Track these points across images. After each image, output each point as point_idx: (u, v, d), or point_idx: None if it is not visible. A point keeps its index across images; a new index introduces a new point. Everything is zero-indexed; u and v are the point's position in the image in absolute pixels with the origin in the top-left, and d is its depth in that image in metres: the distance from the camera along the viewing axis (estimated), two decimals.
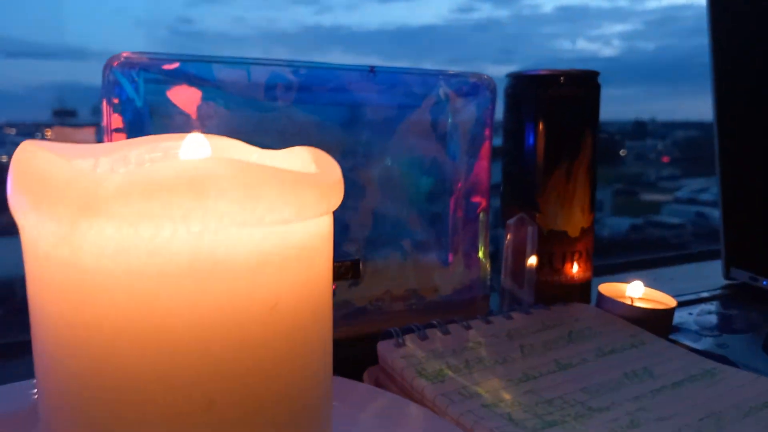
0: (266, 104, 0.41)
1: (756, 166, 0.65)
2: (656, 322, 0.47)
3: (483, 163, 0.50)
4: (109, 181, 0.17)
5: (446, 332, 0.41)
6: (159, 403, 0.18)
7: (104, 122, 0.36)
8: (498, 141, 0.52)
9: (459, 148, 0.49)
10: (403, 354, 0.38)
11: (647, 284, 0.52)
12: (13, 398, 0.30)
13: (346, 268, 0.46)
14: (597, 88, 0.51)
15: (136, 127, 0.37)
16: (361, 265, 0.46)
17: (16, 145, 0.20)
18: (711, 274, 0.68)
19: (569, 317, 0.46)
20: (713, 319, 0.55)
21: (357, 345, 0.41)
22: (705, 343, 0.48)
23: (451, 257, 0.50)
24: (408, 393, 0.37)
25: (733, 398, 0.36)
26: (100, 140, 0.38)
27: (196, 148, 0.23)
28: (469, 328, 0.42)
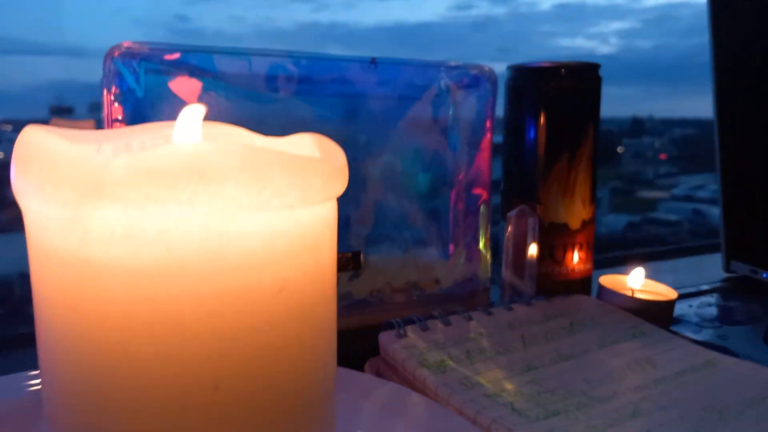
0: (267, 95, 0.41)
1: (756, 160, 0.65)
2: (657, 313, 0.47)
3: (484, 155, 0.50)
4: (116, 163, 0.16)
5: (447, 323, 0.41)
6: (165, 387, 0.18)
7: (105, 112, 0.36)
8: (497, 136, 0.52)
9: (460, 140, 0.49)
10: (404, 345, 0.38)
11: (647, 277, 0.52)
12: (8, 389, 0.30)
13: (347, 259, 0.46)
14: (598, 81, 0.51)
15: (136, 118, 0.37)
16: (362, 256, 0.46)
17: (13, 142, 0.20)
18: (710, 268, 0.68)
19: (570, 308, 0.46)
20: (713, 311, 0.55)
21: (358, 337, 0.41)
22: (705, 335, 0.48)
23: (451, 249, 0.50)
24: (410, 383, 0.37)
25: (735, 388, 0.36)
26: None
27: (193, 121, 0.22)
28: (470, 319, 0.42)
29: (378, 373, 0.39)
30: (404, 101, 0.46)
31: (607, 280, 0.51)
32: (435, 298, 0.50)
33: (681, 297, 0.54)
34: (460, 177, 0.50)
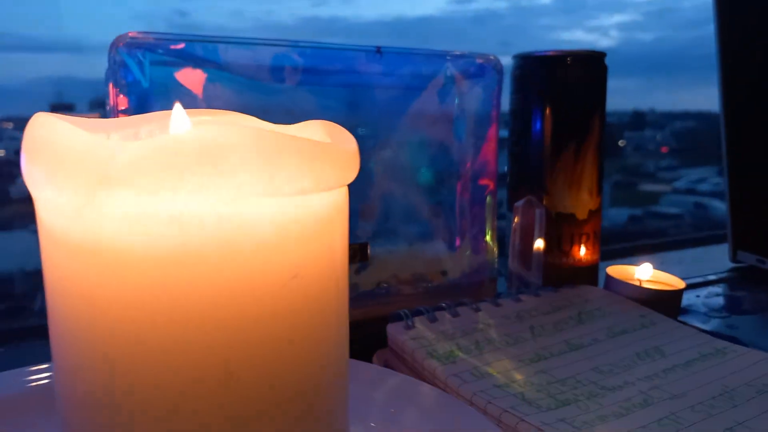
0: (272, 86, 0.41)
1: (762, 150, 0.65)
2: (665, 303, 0.47)
3: (490, 146, 0.50)
4: (128, 149, 0.16)
5: (455, 314, 0.41)
6: (178, 374, 0.18)
7: (110, 103, 0.36)
8: (503, 130, 0.52)
9: (466, 130, 0.49)
10: (413, 336, 0.38)
11: (654, 267, 0.52)
12: (8, 385, 0.30)
13: (354, 250, 0.45)
14: (604, 69, 0.51)
15: (141, 109, 0.37)
16: (368, 248, 0.46)
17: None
18: (716, 258, 0.68)
19: (578, 299, 0.46)
20: (721, 301, 0.55)
21: (365, 328, 0.41)
22: (714, 324, 0.48)
23: (458, 241, 0.50)
24: (418, 374, 0.37)
25: (745, 377, 0.36)
26: None
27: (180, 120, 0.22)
28: (478, 310, 0.42)
29: (386, 365, 0.39)
30: (409, 91, 0.46)
31: (615, 270, 0.51)
32: (442, 290, 0.50)
33: (688, 287, 0.54)
34: (467, 168, 0.49)
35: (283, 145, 0.18)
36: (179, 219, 0.17)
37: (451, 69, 0.47)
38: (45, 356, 0.33)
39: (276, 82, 0.41)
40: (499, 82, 0.49)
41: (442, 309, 0.41)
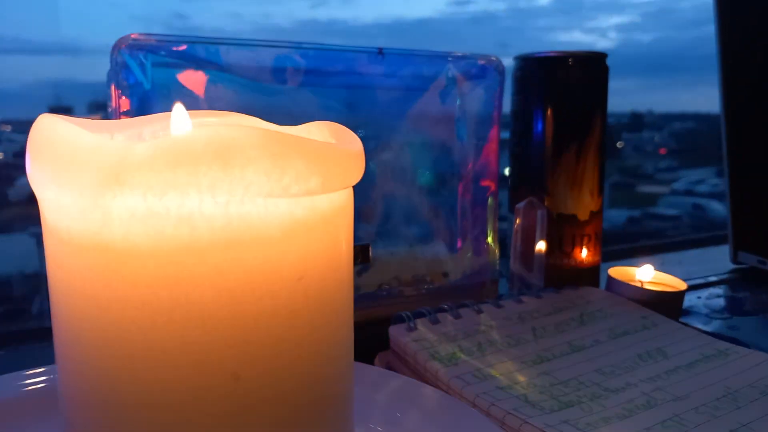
0: (274, 87, 0.41)
1: (763, 150, 0.65)
2: (667, 304, 0.47)
3: (492, 147, 0.50)
4: (135, 149, 0.16)
5: (457, 316, 0.41)
6: (184, 376, 0.17)
7: (112, 105, 0.36)
8: (503, 129, 0.52)
9: (467, 131, 0.49)
10: (415, 337, 0.38)
11: (655, 269, 0.52)
12: (3, 389, 0.30)
13: (355, 252, 0.45)
14: (605, 70, 0.51)
15: (143, 111, 0.37)
16: (370, 249, 0.46)
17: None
18: (717, 259, 0.68)
19: (580, 300, 0.46)
20: (722, 302, 0.55)
21: (366, 330, 0.41)
22: (715, 326, 0.48)
23: (459, 242, 0.50)
24: (421, 376, 0.36)
25: (749, 378, 0.36)
26: None
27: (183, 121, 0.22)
28: (480, 311, 0.42)
29: (388, 367, 0.39)
30: (411, 92, 0.46)
31: (616, 271, 0.51)
32: (443, 291, 0.50)
33: (689, 289, 0.54)
34: (468, 169, 0.49)
35: (292, 145, 0.18)
36: (187, 220, 0.17)
37: (452, 70, 0.47)
38: (43, 359, 0.33)
39: (278, 84, 0.41)
40: (501, 83, 0.49)
41: (444, 311, 0.41)
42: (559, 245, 0.51)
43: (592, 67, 0.50)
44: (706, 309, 0.52)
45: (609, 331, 0.42)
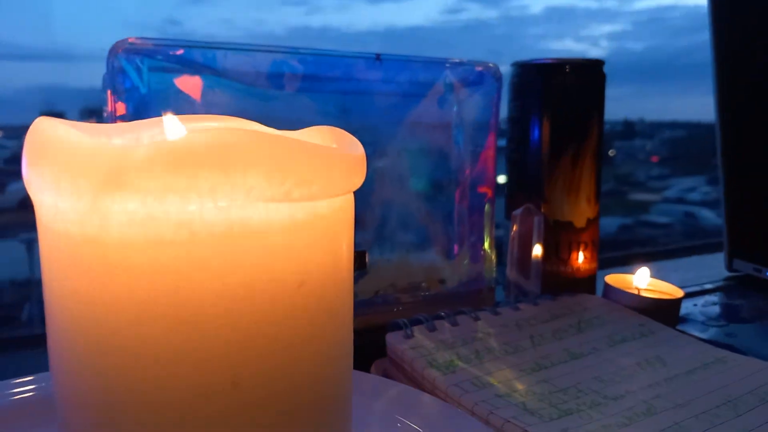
0: (271, 92, 0.41)
1: (758, 157, 0.65)
2: (664, 311, 0.47)
3: (489, 153, 0.49)
4: (134, 152, 0.16)
5: (455, 323, 0.41)
6: (184, 381, 0.17)
7: (108, 110, 0.36)
8: (500, 135, 0.52)
9: (465, 137, 0.48)
10: (412, 345, 0.38)
11: (651, 276, 0.52)
12: None
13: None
14: (602, 77, 0.51)
15: (140, 116, 0.36)
16: (366, 256, 0.46)
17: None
18: (712, 267, 0.68)
19: (577, 307, 0.46)
20: (719, 309, 0.54)
21: (363, 337, 0.40)
22: (712, 333, 0.48)
23: (456, 249, 0.50)
24: (418, 384, 0.36)
25: (748, 385, 0.36)
26: None
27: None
28: (477, 319, 0.42)
29: (385, 374, 0.39)
30: (409, 98, 0.46)
31: (613, 279, 0.51)
32: (440, 299, 0.49)
33: (685, 296, 0.54)
34: (465, 175, 0.49)
35: (293, 149, 0.17)
36: (187, 225, 0.16)
37: (450, 77, 0.47)
38: (33, 366, 0.32)
39: (275, 89, 0.41)
40: (498, 90, 0.49)
41: (441, 318, 0.41)
42: (556, 252, 0.51)
43: (589, 74, 0.50)
44: (703, 316, 0.52)
45: (607, 338, 0.42)
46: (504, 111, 0.51)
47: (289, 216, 0.18)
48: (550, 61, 0.49)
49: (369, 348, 0.40)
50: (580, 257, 0.51)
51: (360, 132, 0.44)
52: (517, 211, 0.49)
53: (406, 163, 0.47)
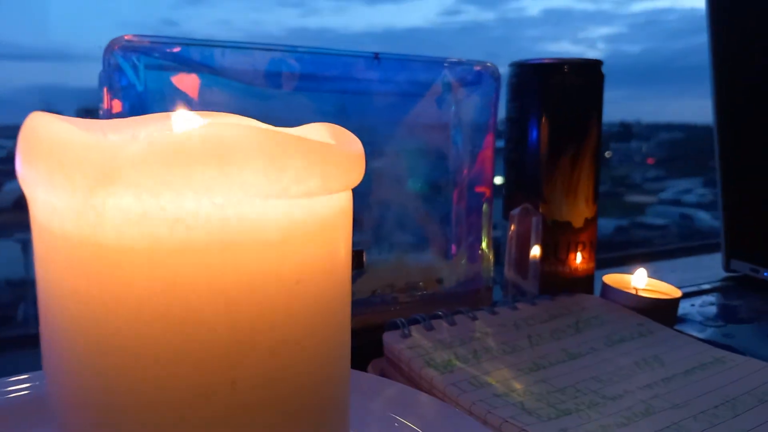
0: (269, 91, 0.41)
1: (756, 158, 0.65)
2: (662, 311, 0.47)
3: (487, 153, 0.49)
4: (130, 148, 0.16)
5: (452, 323, 0.41)
6: (180, 380, 0.17)
7: (104, 107, 0.35)
8: (498, 136, 0.52)
9: (463, 137, 0.48)
10: (409, 344, 0.38)
11: (649, 276, 0.51)
12: None
13: None
14: (601, 77, 0.51)
15: (136, 113, 0.36)
16: (364, 255, 0.46)
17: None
18: (709, 267, 0.68)
19: (575, 307, 0.45)
20: (716, 310, 0.54)
21: (360, 337, 0.40)
22: (710, 333, 0.48)
23: (454, 249, 0.50)
24: (415, 384, 0.36)
25: (746, 385, 0.36)
26: None
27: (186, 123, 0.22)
28: (475, 318, 0.42)
29: (382, 374, 0.39)
30: (407, 98, 0.46)
31: (611, 279, 0.51)
32: (437, 298, 0.49)
33: (682, 296, 0.54)
34: (463, 175, 0.49)
35: (291, 145, 0.17)
36: (183, 221, 0.16)
37: (448, 76, 0.47)
38: (28, 365, 0.32)
39: (272, 88, 0.41)
40: (497, 90, 0.49)
41: (438, 317, 0.41)
42: (554, 252, 0.50)
43: (588, 74, 0.50)
44: (701, 316, 0.52)
45: (605, 338, 0.42)
46: (502, 111, 0.51)
47: (286, 212, 0.17)
48: (548, 61, 0.49)
49: (366, 348, 0.40)
50: (578, 257, 0.51)
51: (358, 132, 0.44)
52: (515, 211, 0.49)
53: (404, 163, 0.47)
